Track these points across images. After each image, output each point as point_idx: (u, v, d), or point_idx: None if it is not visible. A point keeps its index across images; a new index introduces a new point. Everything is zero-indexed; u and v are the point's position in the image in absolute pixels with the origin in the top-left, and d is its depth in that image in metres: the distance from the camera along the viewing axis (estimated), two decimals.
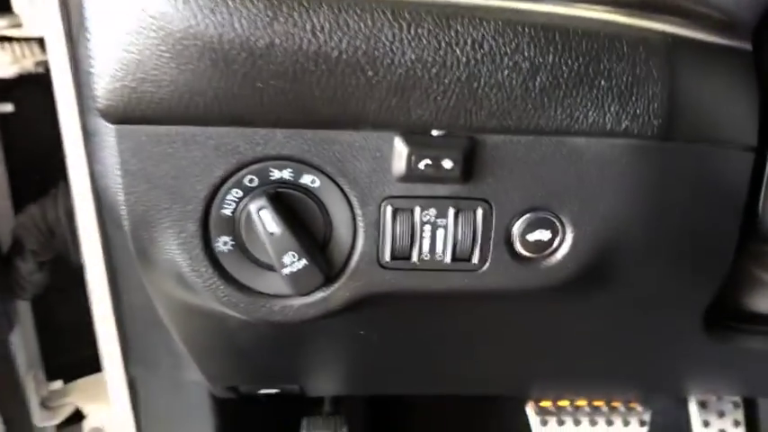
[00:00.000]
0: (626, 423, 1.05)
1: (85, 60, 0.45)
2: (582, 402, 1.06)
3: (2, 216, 0.81)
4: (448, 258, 0.51)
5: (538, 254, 0.51)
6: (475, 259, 0.51)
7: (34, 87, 0.72)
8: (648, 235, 0.52)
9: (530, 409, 1.04)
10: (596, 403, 1.06)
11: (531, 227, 0.50)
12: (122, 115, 0.45)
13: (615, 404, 1.06)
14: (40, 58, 0.69)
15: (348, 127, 0.47)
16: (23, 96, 0.77)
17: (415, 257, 0.51)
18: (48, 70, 0.67)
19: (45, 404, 0.92)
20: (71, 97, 0.67)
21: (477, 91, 0.45)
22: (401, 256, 0.51)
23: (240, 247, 0.50)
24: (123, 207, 0.49)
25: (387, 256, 0.51)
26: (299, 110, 0.45)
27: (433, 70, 0.45)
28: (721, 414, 1.11)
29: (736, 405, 1.11)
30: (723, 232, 0.55)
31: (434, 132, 0.47)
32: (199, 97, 0.44)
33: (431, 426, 1.28)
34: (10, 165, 0.82)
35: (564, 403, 1.05)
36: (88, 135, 0.50)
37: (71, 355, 0.94)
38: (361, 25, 0.44)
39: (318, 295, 0.51)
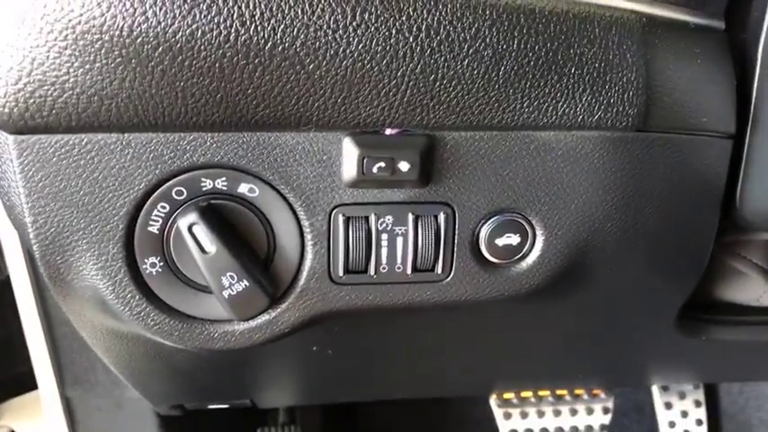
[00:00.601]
0: (590, 411, 1.06)
1: None
2: (545, 392, 1.05)
3: None
4: (409, 269, 0.47)
5: (506, 260, 0.48)
6: (438, 269, 0.48)
7: None
8: (624, 234, 0.50)
9: (493, 402, 1.03)
10: (559, 392, 1.06)
11: (498, 231, 0.47)
12: (20, 124, 0.40)
13: (578, 392, 1.06)
14: None
15: (289, 128, 0.43)
16: None
17: (371, 270, 0.47)
18: None
19: None
20: None
21: (434, 84, 0.42)
22: (356, 269, 0.47)
23: (171, 269, 0.46)
24: (30, 230, 0.43)
25: (340, 271, 0.47)
26: (231, 111, 0.41)
27: (384, 62, 0.41)
28: (682, 395, 1.13)
29: (696, 386, 1.13)
30: (702, 226, 0.52)
31: (388, 131, 0.44)
32: (110, 100, 0.39)
33: (391, 420, 1.25)
34: None
35: (527, 394, 1.05)
36: None
37: (1, 374, 0.89)
38: (299, 11, 0.39)
39: (263, 318, 0.47)
